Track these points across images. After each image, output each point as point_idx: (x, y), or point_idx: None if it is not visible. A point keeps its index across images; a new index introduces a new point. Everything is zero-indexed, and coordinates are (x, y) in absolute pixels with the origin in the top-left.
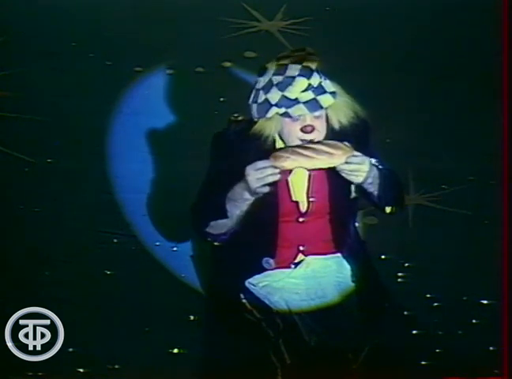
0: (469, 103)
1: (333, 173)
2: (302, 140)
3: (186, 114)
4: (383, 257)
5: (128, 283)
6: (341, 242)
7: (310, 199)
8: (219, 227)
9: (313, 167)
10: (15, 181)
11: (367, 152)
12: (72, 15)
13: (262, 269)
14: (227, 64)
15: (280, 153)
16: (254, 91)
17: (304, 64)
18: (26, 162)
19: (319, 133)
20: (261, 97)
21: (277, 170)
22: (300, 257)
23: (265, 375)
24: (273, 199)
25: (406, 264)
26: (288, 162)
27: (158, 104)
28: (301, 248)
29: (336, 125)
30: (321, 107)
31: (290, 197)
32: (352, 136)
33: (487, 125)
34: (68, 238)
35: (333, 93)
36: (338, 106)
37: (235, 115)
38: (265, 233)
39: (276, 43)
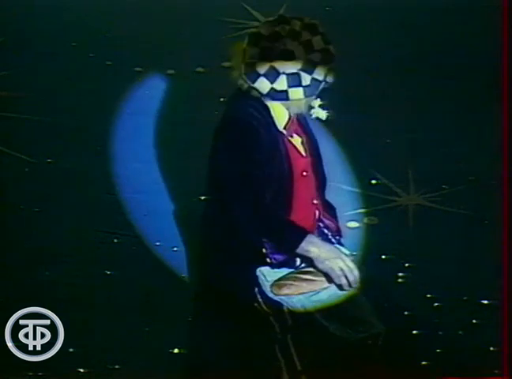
0: (469, 103)
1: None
2: None
3: (186, 114)
4: (383, 257)
5: (128, 283)
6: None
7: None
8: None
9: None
10: (15, 181)
11: None
12: (72, 15)
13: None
14: (228, 64)
15: (282, 281)
16: (267, 67)
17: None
18: (26, 162)
19: None
20: (283, 85)
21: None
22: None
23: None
24: (286, 160)
25: (406, 264)
26: (290, 289)
27: (158, 104)
28: (315, 201)
29: None
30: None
31: (301, 154)
32: None
33: (487, 125)
34: (68, 238)
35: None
36: None
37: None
38: (282, 192)
39: None
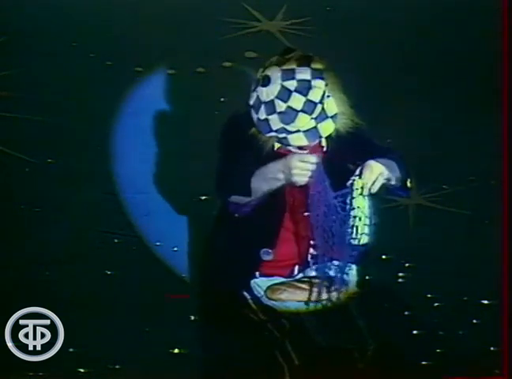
0: (469, 104)
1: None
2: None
3: (186, 115)
4: (384, 257)
5: (128, 283)
6: None
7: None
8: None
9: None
10: (15, 181)
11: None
12: (72, 15)
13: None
14: (228, 64)
15: (276, 286)
16: (255, 96)
17: (309, 97)
18: (26, 162)
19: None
20: (262, 114)
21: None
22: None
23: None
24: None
25: (406, 264)
26: (284, 294)
27: (158, 104)
28: (312, 242)
29: (333, 135)
30: (321, 137)
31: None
32: (351, 144)
33: (487, 125)
34: (68, 238)
35: (334, 116)
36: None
37: None
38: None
39: (277, 44)
